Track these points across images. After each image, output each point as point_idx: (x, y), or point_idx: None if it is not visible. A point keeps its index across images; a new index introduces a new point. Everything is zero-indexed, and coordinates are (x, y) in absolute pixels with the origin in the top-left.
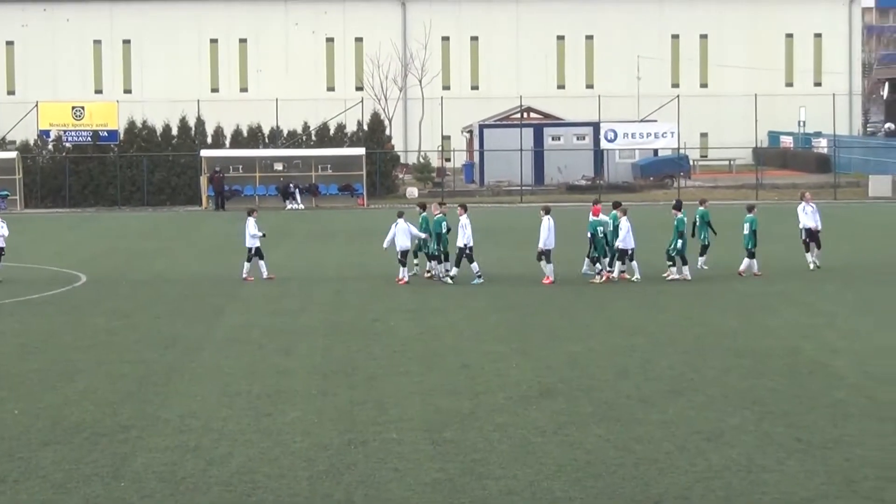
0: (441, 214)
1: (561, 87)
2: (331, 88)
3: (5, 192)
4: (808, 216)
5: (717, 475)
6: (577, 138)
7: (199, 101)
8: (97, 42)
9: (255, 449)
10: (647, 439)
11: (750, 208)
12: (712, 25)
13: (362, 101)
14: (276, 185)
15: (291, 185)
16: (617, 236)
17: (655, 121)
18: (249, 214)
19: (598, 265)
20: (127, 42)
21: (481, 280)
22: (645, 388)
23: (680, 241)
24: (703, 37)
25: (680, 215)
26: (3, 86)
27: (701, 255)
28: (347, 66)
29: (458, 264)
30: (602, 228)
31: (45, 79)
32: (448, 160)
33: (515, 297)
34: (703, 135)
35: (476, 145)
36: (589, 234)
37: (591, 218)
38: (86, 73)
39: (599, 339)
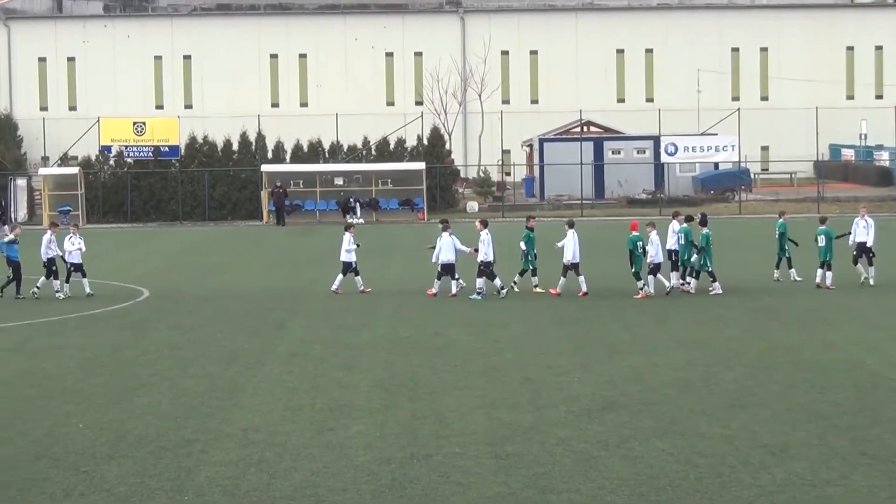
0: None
1: (621, 100)
2: (390, 103)
3: (67, 208)
4: (861, 230)
5: (781, 489)
6: (638, 152)
7: (259, 115)
8: (158, 58)
9: (319, 463)
10: (711, 453)
11: (823, 220)
12: (772, 38)
13: (422, 116)
14: (337, 200)
15: (352, 199)
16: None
17: (716, 134)
18: (346, 230)
19: (640, 281)
20: (188, 57)
21: (480, 297)
22: (708, 402)
23: (696, 255)
24: (764, 50)
25: (705, 230)
26: (64, 102)
27: (790, 266)
28: (407, 80)
29: (482, 277)
30: (641, 244)
31: (106, 94)
32: (508, 174)
33: (576, 311)
34: (764, 148)
35: (536, 159)
36: (628, 250)
37: (630, 234)
38: (147, 89)
39: (661, 353)
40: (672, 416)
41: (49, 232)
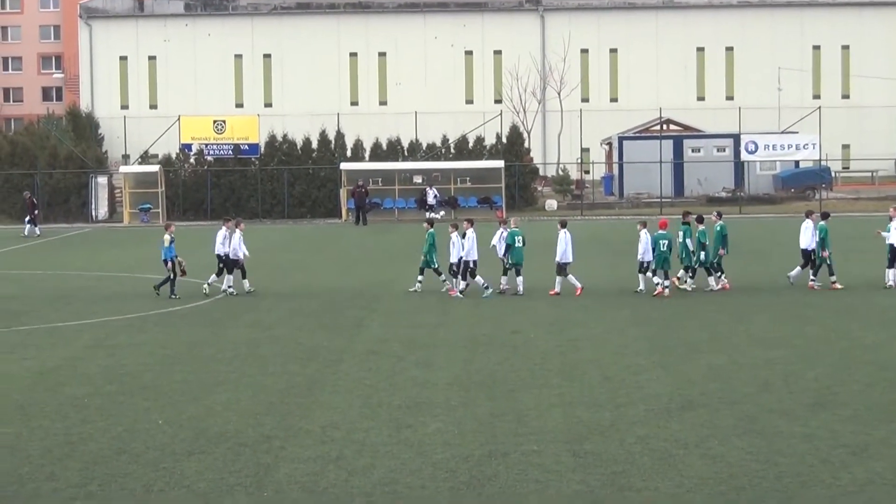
0: (516, 227)
1: (701, 98)
2: (469, 101)
3: (148, 205)
4: (892, 232)
5: (862, 489)
6: (718, 150)
7: (338, 114)
8: (238, 56)
9: (397, 460)
10: (790, 452)
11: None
12: (854, 36)
13: (501, 114)
14: (416, 199)
15: (428, 188)
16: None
17: (797, 132)
18: (455, 229)
19: (655, 277)
20: (267, 56)
21: (462, 296)
22: (788, 401)
23: (703, 253)
24: (845, 47)
25: (720, 223)
26: (145, 100)
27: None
28: (486, 78)
29: (464, 277)
30: (665, 242)
31: (186, 93)
32: (587, 172)
33: (654, 309)
34: (845, 146)
35: (615, 157)
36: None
37: (658, 231)
38: (227, 88)
39: (741, 351)
40: (751, 415)
41: (224, 228)
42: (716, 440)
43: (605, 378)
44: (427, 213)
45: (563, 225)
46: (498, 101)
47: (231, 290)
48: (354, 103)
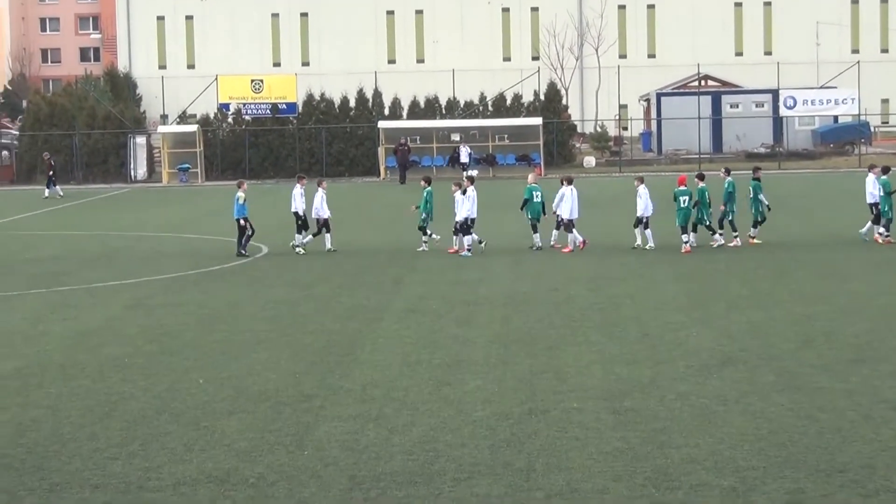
0: (534, 183)
1: (739, 54)
2: (507, 58)
3: (186, 165)
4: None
5: None
6: (756, 105)
7: (375, 72)
8: (275, 15)
9: (437, 418)
10: (831, 408)
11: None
12: None
13: (538, 71)
14: (448, 156)
15: (461, 146)
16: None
17: (835, 87)
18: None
19: (685, 235)
20: (304, 15)
21: (469, 254)
22: (828, 356)
23: (703, 211)
24: (884, 1)
25: (729, 178)
26: (183, 60)
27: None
28: (523, 35)
29: (465, 233)
30: (686, 198)
31: (224, 53)
32: (625, 129)
33: (694, 265)
34: (884, 101)
35: (653, 114)
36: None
37: (677, 187)
38: (264, 47)
39: (781, 307)
40: (792, 371)
41: (299, 185)
42: (756, 396)
43: (645, 334)
44: (463, 172)
45: (569, 182)
46: (535, 58)
47: (300, 248)
48: (392, 61)
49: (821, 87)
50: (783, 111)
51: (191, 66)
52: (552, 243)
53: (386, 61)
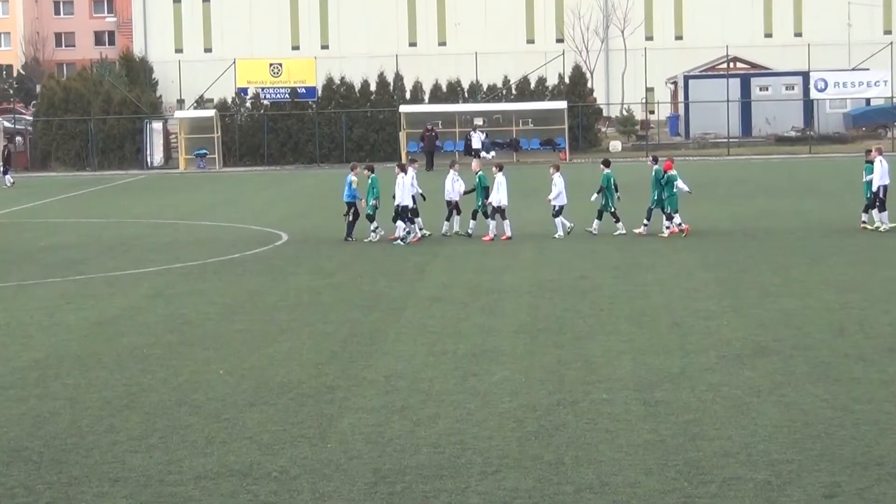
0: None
1: (768, 35)
2: (530, 41)
3: (204, 151)
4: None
5: None
6: (786, 88)
7: (397, 55)
8: None
9: (463, 410)
10: (867, 399)
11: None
12: None
13: (563, 54)
14: (463, 143)
15: (472, 132)
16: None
17: (868, 69)
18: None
19: (666, 220)
20: None
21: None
22: (864, 346)
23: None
24: None
25: (656, 167)
26: (200, 43)
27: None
28: (547, 17)
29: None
30: (678, 182)
31: (241, 36)
32: (652, 112)
33: (725, 252)
34: None
35: (681, 97)
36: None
37: (668, 172)
38: (283, 30)
39: (814, 295)
40: (826, 361)
41: (411, 170)
42: (790, 387)
43: (675, 324)
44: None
45: (557, 168)
46: (560, 41)
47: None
48: (413, 44)
49: (853, 70)
50: (814, 94)
51: (208, 50)
52: (488, 234)
53: (407, 44)
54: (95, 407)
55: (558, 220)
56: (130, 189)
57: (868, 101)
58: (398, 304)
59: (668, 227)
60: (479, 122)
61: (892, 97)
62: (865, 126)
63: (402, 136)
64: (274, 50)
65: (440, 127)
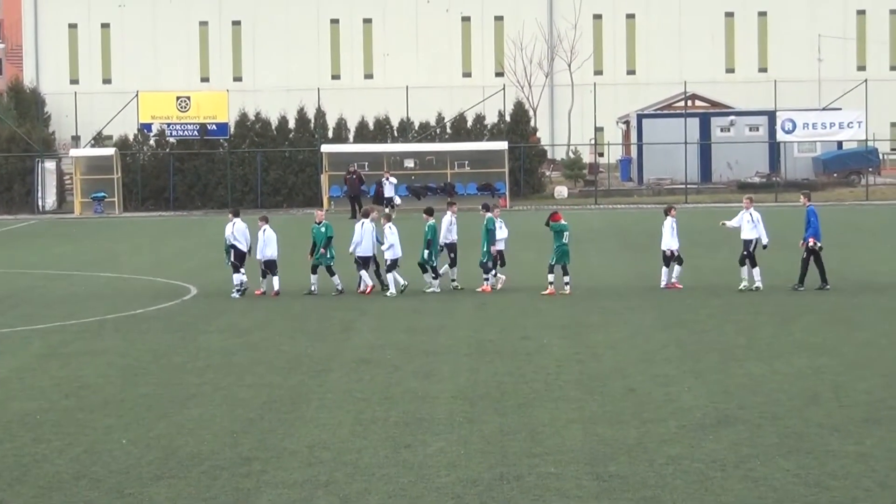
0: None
1: (730, 70)
2: (467, 74)
3: (102, 194)
4: (747, 225)
5: None
6: (750, 129)
7: (318, 89)
8: (203, 24)
9: (395, 485)
10: (843, 475)
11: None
12: None
13: (504, 89)
14: (407, 185)
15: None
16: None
17: (840, 109)
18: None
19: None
20: (237, 23)
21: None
22: (838, 415)
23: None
24: (893, 12)
25: (489, 215)
26: (98, 74)
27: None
28: (486, 48)
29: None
30: (566, 234)
31: (145, 66)
32: (601, 155)
33: (685, 311)
34: (895, 125)
35: (634, 138)
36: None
37: (559, 222)
38: (191, 60)
39: (784, 359)
40: (798, 432)
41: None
42: (758, 460)
43: (630, 390)
44: (385, 209)
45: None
46: (500, 75)
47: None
48: (336, 77)
49: (823, 109)
50: (780, 136)
51: (107, 81)
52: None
53: (329, 76)
54: None
55: (390, 275)
56: (19, 236)
57: (840, 144)
58: (322, 366)
59: (486, 280)
60: (410, 163)
61: (866, 140)
62: (837, 172)
63: (325, 178)
64: (181, 82)
65: (367, 169)
